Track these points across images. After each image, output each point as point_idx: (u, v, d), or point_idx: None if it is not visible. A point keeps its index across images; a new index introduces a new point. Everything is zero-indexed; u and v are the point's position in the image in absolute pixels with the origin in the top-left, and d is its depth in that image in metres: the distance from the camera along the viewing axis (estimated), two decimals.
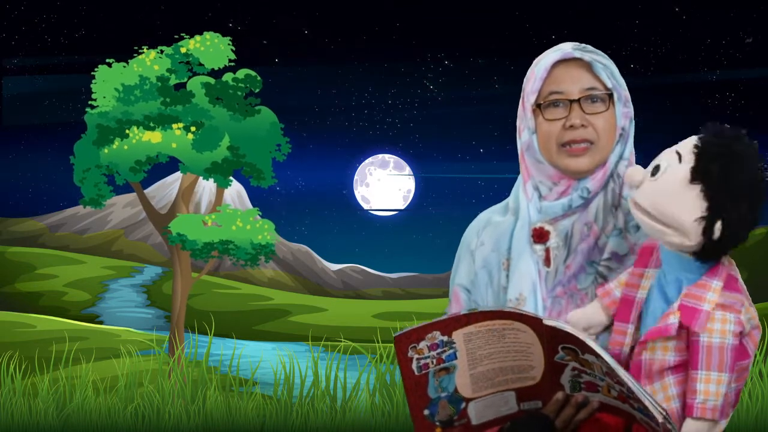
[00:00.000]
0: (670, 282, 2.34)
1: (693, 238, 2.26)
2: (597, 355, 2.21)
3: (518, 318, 2.27)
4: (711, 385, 2.26)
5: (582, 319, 2.44)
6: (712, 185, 2.24)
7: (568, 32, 14.23)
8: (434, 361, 2.31)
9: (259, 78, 12.58)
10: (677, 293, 2.32)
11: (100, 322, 16.16)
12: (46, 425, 11.13)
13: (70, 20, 14.96)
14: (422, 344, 2.30)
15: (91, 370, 11.95)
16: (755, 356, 2.43)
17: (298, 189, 16.53)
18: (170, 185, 17.74)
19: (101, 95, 12.31)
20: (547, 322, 2.26)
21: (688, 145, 2.31)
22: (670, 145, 2.39)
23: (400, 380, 11.00)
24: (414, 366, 2.31)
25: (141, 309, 17.07)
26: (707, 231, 2.25)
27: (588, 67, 2.46)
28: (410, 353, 2.30)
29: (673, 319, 2.28)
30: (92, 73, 12.36)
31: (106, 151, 12.26)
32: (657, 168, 2.31)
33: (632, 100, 2.55)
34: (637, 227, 2.46)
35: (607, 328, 2.44)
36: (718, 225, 2.24)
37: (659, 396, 2.30)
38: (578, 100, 2.44)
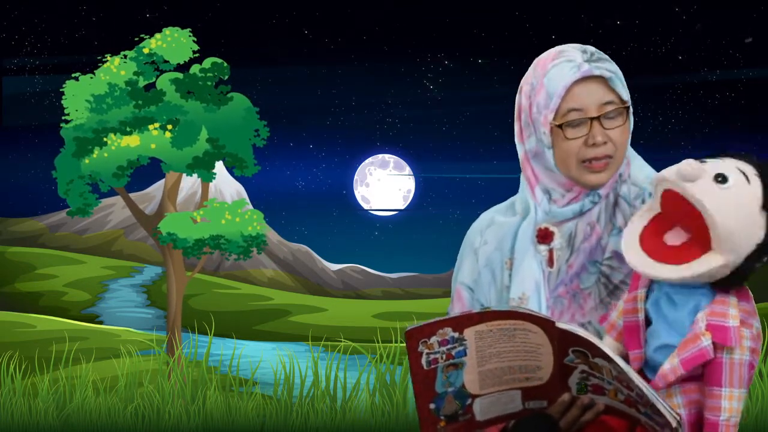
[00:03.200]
0: (683, 304, 2.32)
1: (737, 260, 2.25)
2: (608, 359, 2.21)
3: (530, 319, 2.27)
4: (734, 402, 2.27)
5: None
6: None
7: (569, 32, 14.23)
8: (444, 356, 2.31)
9: (226, 65, 12.55)
10: (684, 293, 2.31)
11: (100, 322, 16.16)
12: (46, 425, 11.13)
13: (70, 20, 14.96)
14: (433, 339, 2.30)
15: (91, 370, 11.94)
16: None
17: (298, 189, 16.53)
18: None
19: (73, 109, 12.33)
20: (560, 325, 2.26)
21: (748, 169, 2.29)
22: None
23: (400, 380, 11.00)
24: (423, 361, 2.31)
25: (141, 309, 17.07)
26: (755, 257, 2.26)
27: (603, 79, 2.45)
28: (420, 348, 2.30)
29: (706, 342, 2.27)
30: (60, 89, 12.39)
31: (86, 161, 12.28)
32: (724, 177, 2.28)
33: (632, 100, 2.55)
34: None
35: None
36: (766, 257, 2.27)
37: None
38: (598, 118, 2.43)
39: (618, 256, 2.47)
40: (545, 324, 2.27)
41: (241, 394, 11.53)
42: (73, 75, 12.37)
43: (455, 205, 16.62)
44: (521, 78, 2.56)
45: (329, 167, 16.49)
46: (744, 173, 2.28)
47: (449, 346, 2.30)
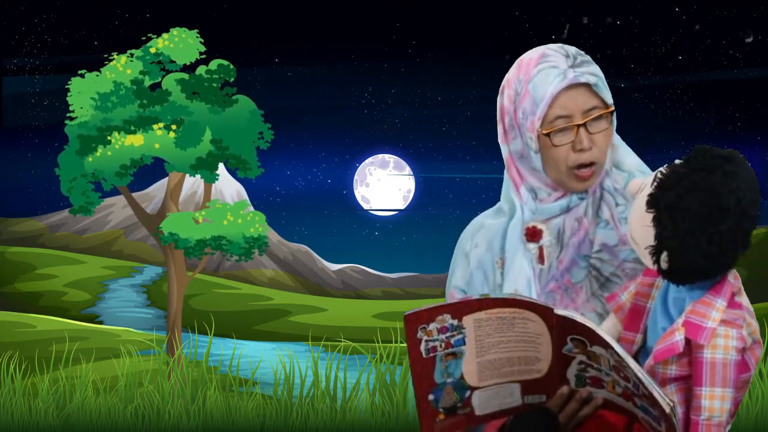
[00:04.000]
0: (674, 298, 2.34)
1: (650, 264, 2.30)
2: (606, 346, 2.22)
3: (529, 307, 2.28)
4: (716, 402, 2.26)
5: None
6: (660, 215, 2.27)
7: (568, 32, 14.24)
8: (443, 344, 2.30)
9: (232, 67, 12.55)
10: (679, 311, 2.32)
11: (100, 322, 16.17)
12: (46, 425, 11.13)
13: (70, 20, 14.97)
14: (432, 326, 2.29)
15: (91, 370, 11.95)
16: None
17: (298, 189, 16.54)
18: None
19: (78, 106, 12.32)
20: (559, 311, 2.27)
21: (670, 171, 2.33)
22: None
23: (400, 380, 11.00)
24: (422, 348, 2.31)
25: (141, 309, 17.08)
26: (655, 261, 2.28)
27: (588, 84, 2.47)
28: (419, 334, 2.30)
29: (679, 336, 2.28)
30: (66, 86, 12.38)
31: (90, 159, 12.28)
32: (643, 186, 2.35)
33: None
34: (627, 219, 2.48)
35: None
36: (664, 255, 2.27)
37: None
38: (584, 124, 2.45)
39: (607, 248, 2.50)
40: (544, 312, 2.27)
41: (241, 394, 11.53)
42: (79, 72, 12.36)
43: (455, 205, 16.64)
44: None
45: (329, 167, 16.51)
46: (656, 174, 2.32)
47: (448, 334, 2.30)
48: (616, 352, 2.21)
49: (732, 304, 2.31)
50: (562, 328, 2.27)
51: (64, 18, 14.98)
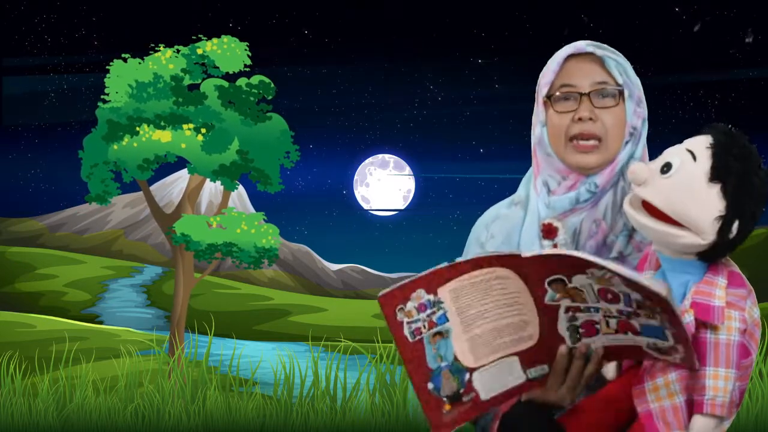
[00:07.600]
0: (674, 283, 2.33)
1: (708, 237, 2.26)
2: (583, 265, 2.14)
3: (498, 261, 2.21)
4: (720, 382, 2.25)
5: None
6: (733, 184, 2.25)
7: (569, 33, 14.23)
8: (426, 324, 2.24)
9: (272, 85, 12.57)
10: (682, 294, 2.31)
11: (100, 322, 16.17)
12: (46, 425, 11.13)
13: (70, 20, 14.97)
14: (410, 305, 2.23)
15: (91, 370, 11.95)
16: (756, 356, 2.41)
17: (298, 189, 16.54)
18: (170, 185, 17.77)
19: (114, 90, 12.27)
20: (526, 254, 2.20)
21: (701, 144, 2.30)
22: (668, 145, 2.39)
23: (400, 380, 11.00)
24: (406, 332, 2.24)
25: (141, 309, 17.08)
26: (724, 230, 2.26)
27: (600, 62, 2.49)
28: (399, 316, 2.23)
29: (689, 318, 2.27)
30: (107, 66, 12.33)
31: (115, 147, 12.24)
32: (668, 165, 2.29)
33: None
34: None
35: None
36: (736, 224, 2.26)
37: (662, 392, 2.29)
38: (588, 94, 2.45)
39: (621, 256, 2.49)
40: (514, 261, 2.21)
41: (241, 394, 11.53)
42: (122, 55, 12.33)
43: (455, 205, 16.65)
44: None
45: (329, 167, 16.51)
46: (692, 152, 2.29)
47: (428, 312, 2.23)
48: (593, 264, 2.13)
49: (735, 282, 2.31)
50: (537, 274, 2.21)
51: (64, 18, 14.98)
